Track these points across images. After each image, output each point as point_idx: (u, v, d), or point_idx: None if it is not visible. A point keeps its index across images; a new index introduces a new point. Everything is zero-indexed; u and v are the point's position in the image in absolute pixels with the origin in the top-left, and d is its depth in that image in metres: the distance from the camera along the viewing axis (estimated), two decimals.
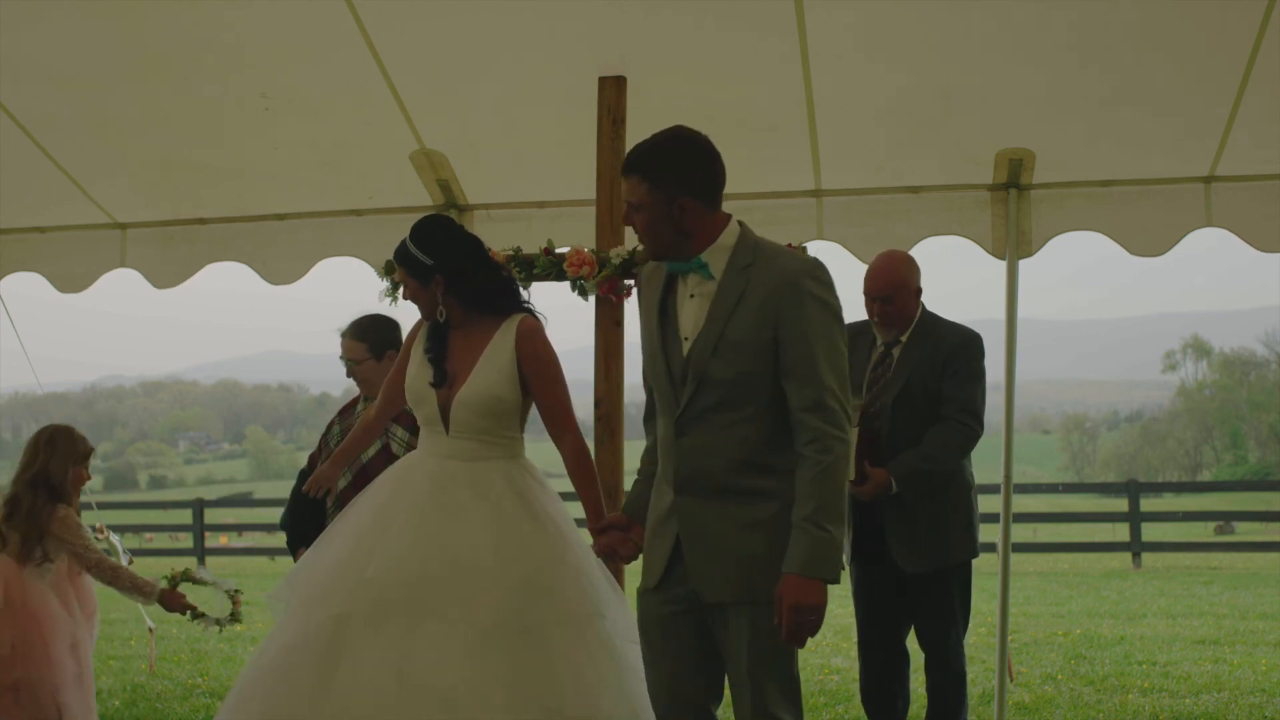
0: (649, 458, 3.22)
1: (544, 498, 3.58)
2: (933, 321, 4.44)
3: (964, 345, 4.38)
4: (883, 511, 4.33)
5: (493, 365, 3.54)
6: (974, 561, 4.50)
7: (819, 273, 2.93)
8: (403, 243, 3.60)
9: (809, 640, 2.86)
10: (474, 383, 3.53)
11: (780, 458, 2.88)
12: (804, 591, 2.78)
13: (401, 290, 3.68)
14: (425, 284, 3.58)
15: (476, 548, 3.40)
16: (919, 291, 4.44)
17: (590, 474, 3.62)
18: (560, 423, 3.62)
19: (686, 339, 2.98)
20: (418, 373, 3.63)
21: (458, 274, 3.56)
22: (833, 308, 2.91)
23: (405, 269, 3.60)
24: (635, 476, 3.30)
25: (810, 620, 2.79)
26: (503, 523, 3.46)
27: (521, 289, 3.76)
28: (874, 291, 4.39)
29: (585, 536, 3.81)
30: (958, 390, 4.33)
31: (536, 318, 3.66)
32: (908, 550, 4.33)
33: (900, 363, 4.39)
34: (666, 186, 2.92)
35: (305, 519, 4.45)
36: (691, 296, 3.00)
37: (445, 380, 3.57)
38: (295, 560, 4.16)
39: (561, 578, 3.44)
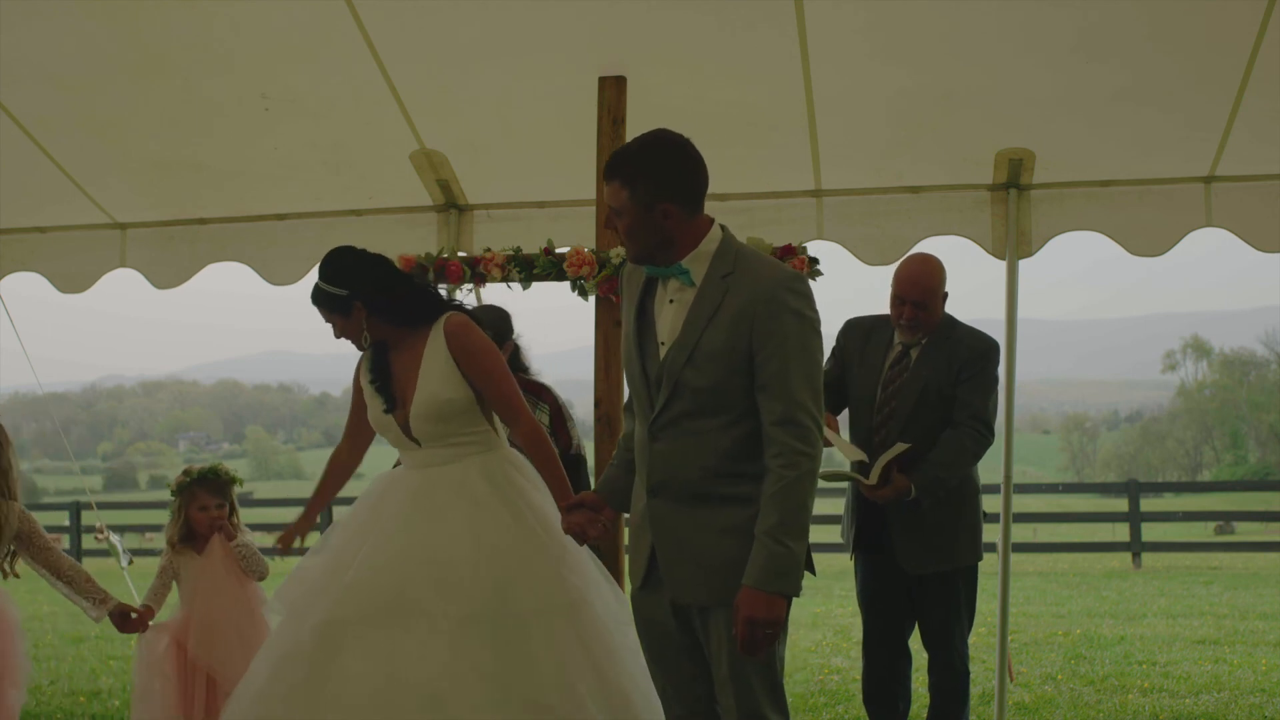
0: (626, 443, 3.21)
1: (526, 487, 3.59)
2: (952, 325, 4.42)
3: (983, 354, 4.36)
4: (889, 513, 4.33)
5: (433, 372, 3.55)
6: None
7: (797, 285, 2.88)
8: (315, 284, 3.62)
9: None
10: (420, 395, 3.55)
11: (755, 465, 2.86)
12: (759, 605, 2.77)
13: (332, 330, 3.67)
14: (347, 315, 3.59)
15: (456, 544, 3.41)
16: (946, 296, 4.42)
17: (549, 455, 3.59)
18: (509, 410, 3.61)
19: (663, 344, 2.96)
20: (372, 404, 3.67)
21: (374, 295, 3.58)
22: (810, 320, 2.87)
23: (325, 308, 3.62)
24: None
25: (765, 633, 2.79)
26: (480, 517, 3.47)
27: (443, 290, 3.75)
28: (909, 296, 4.32)
29: None
30: (972, 397, 4.31)
31: (464, 312, 3.66)
32: (914, 553, 4.33)
33: (918, 364, 4.36)
34: (647, 192, 2.87)
35: None
36: (670, 301, 2.97)
37: (396, 403, 3.60)
38: None
39: (543, 566, 3.44)
